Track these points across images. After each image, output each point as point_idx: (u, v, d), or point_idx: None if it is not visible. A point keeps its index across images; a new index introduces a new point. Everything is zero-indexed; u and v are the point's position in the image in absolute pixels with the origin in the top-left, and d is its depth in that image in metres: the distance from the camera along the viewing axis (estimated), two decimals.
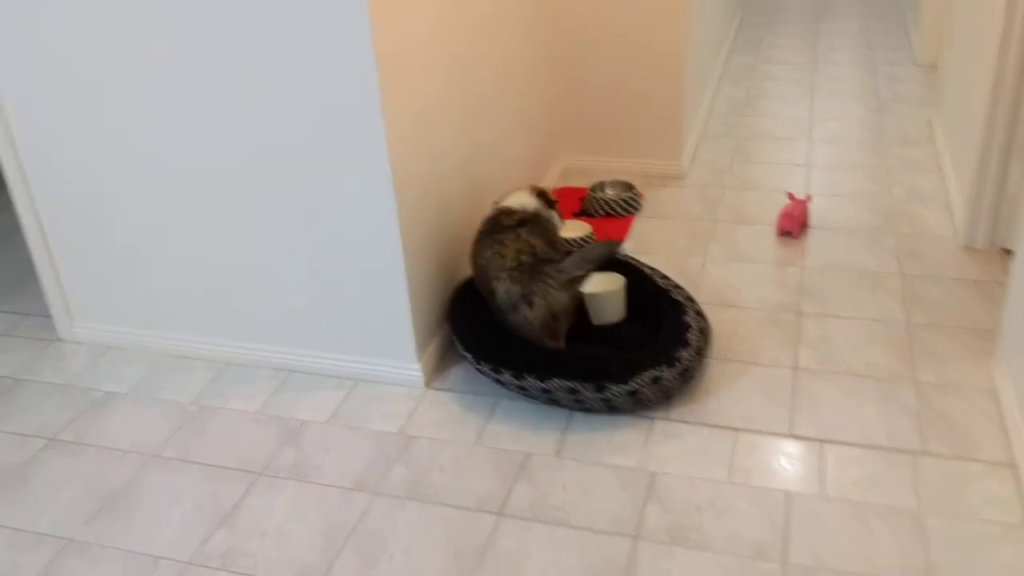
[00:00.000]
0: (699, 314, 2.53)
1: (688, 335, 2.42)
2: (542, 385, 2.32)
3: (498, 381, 2.40)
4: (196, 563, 1.99)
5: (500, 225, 2.50)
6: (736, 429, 2.31)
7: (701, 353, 2.43)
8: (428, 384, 2.54)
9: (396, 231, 2.32)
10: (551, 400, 2.37)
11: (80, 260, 2.69)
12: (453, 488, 2.16)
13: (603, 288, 2.61)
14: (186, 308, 2.66)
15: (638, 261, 2.77)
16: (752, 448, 2.24)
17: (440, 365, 2.60)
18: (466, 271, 2.73)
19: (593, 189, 3.53)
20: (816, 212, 3.39)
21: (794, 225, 3.20)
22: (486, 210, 2.63)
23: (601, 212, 3.44)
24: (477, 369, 2.45)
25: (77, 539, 2.07)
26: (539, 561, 1.95)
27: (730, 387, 2.46)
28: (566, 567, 1.93)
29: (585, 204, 3.50)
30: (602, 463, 2.22)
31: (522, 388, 2.36)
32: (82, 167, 2.52)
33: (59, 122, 2.47)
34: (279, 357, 2.62)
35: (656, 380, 2.31)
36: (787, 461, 2.19)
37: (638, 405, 2.34)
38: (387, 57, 2.15)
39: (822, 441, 2.25)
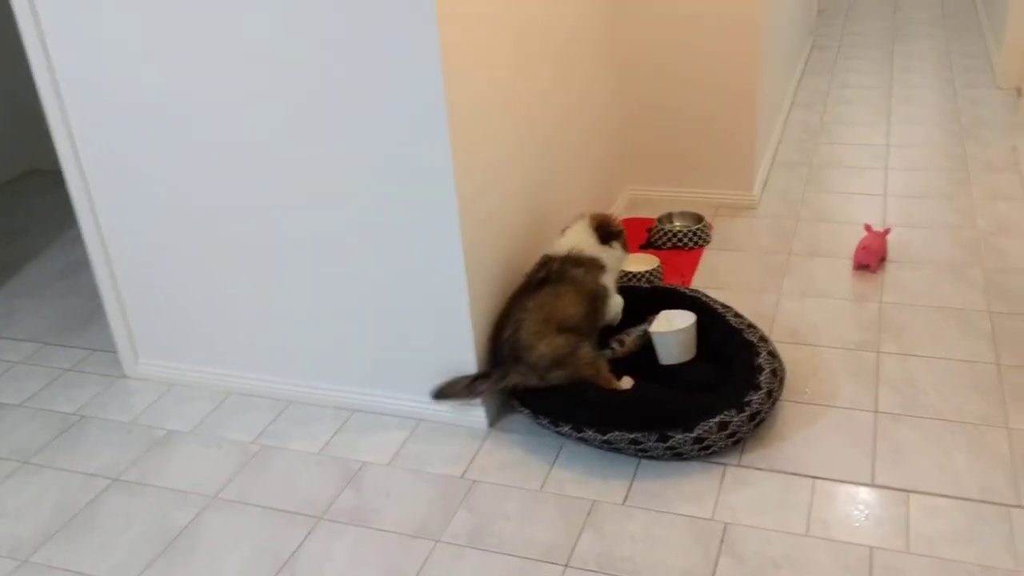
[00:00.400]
0: (772, 355, 2.41)
1: (760, 378, 2.31)
2: (603, 438, 2.24)
3: (559, 433, 2.33)
4: None
5: (530, 282, 2.47)
6: (814, 477, 2.19)
7: (772, 396, 2.31)
8: (492, 424, 2.47)
9: (461, 267, 2.28)
10: (614, 450, 2.28)
11: (146, 295, 2.70)
12: (517, 536, 2.09)
13: (671, 327, 2.52)
14: (249, 345, 2.65)
15: (710, 298, 2.67)
16: (831, 498, 2.12)
17: (504, 405, 2.54)
18: None
19: (660, 220, 3.45)
20: (895, 245, 3.25)
21: (872, 259, 3.07)
22: (549, 241, 2.57)
23: (669, 244, 3.35)
24: (536, 423, 2.38)
25: None
26: None
27: (807, 431, 2.35)
28: None
29: (652, 236, 3.41)
30: (672, 512, 2.12)
31: (583, 440, 2.29)
32: (150, 202, 2.53)
33: (129, 156, 2.49)
34: (342, 395, 2.59)
35: (724, 426, 2.21)
36: (869, 513, 2.07)
37: (705, 452, 2.24)
38: (454, 80, 2.11)
39: (907, 491, 2.12)
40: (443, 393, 2.38)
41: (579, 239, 2.53)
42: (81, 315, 3.24)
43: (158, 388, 2.78)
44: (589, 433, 2.26)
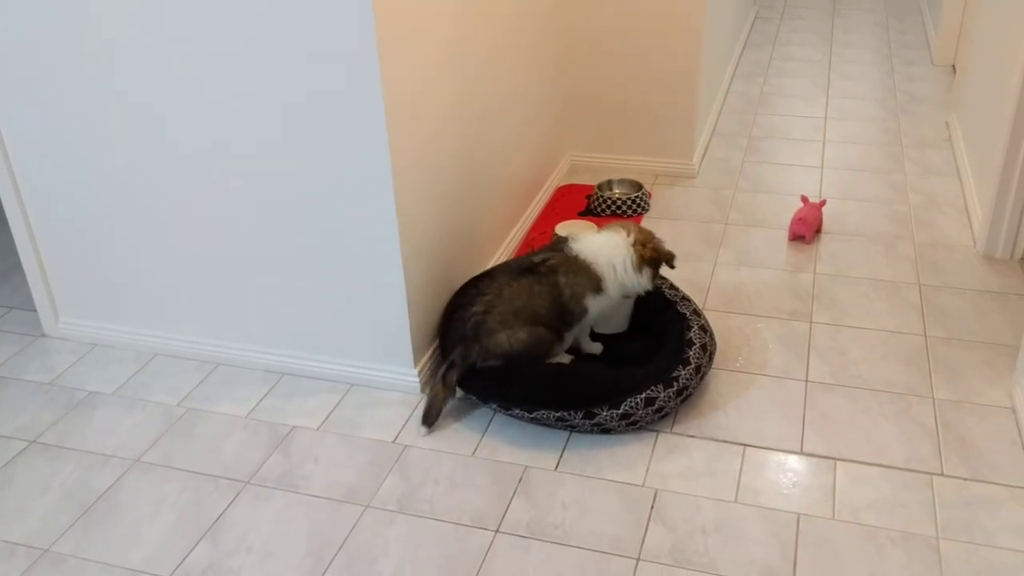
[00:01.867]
0: (703, 329, 2.41)
1: (689, 352, 2.31)
2: (530, 416, 2.23)
3: (489, 408, 2.31)
4: None
5: (520, 264, 2.37)
6: (744, 445, 2.21)
7: (701, 371, 2.31)
8: (424, 390, 2.44)
9: (395, 232, 2.22)
10: (543, 425, 2.27)
11: (67, 253, 2.59)
12: (448, 502, 2.07)
13: None
14: (177, 305, 2.56)
15: None
16: (761, 466, 2.14)
17: (438, 371, 2.50)
18: (465, 276, 2.63)
19: (600, 187, 3.43)
20: (830, 217, 3.28)
21: (807, 230, 3.09)
22: (488, 210, 2.53)
23: (608, 212, 3.34)
24: (466, 397, 2.36)
25: (53, 550, 1.98)
26: None
27: (739, 400, 2.36)
28: None
29: (591, 203, 3.39)
30: (603, 479, 2.12)
31: (511, 416, 2.27)
32: (71, 157, 2.42)
33: (48, 111, 2.37)
34: (271, 358, 2.53)
35: (651, 401, 2.20)
36: (797, 480, 2.09)
37: (632, 427, 2.24)
38: (389, 45, 2.05)
39: (835, 459, 2.15)
40: (430, 416, 2.27)
41: (610, 248, 2.34)
42: None
43: (79, 348, 2.68)
44: (516, 411, 2.25)
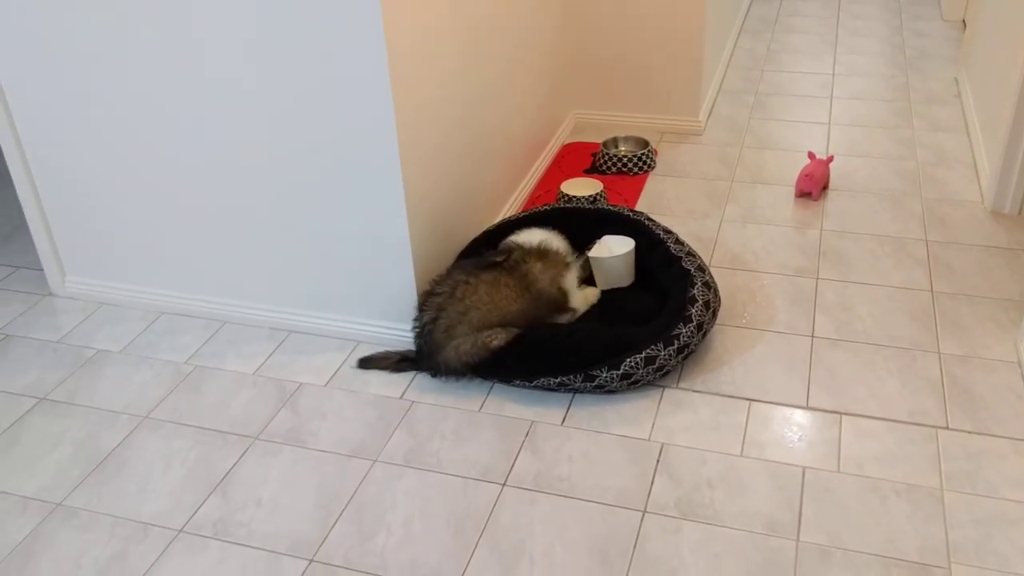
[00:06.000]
0: (707, 286, 2.40)
1: (692, 310, 2.30)
2: (531, 384, 2.23)
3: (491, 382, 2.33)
4: (188, 531, 1.92)
5: (484, 261, 2.35)
6: (750, 400, 2.22)
7: (703, 329, 2.31)
8: None
9: (400, 190, 2.22)
10: (546, 391, 2.28)
11: (72, 212, 2.59)
12: (455, 456, 2.08)
13: (610, 252, 2.50)
14: (183, 264, 2.57)
15: (653, 222, 2.65)
16: (766, 420, 2.15)
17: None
18: (470, 234, 2.63)
19: (606, 145, 3.41)
20: (837, 173, 3.26)
21: (814, 187, 3.08)
22: (492, 168, 2.51)
23: (613, 170, 3.32)
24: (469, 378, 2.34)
25: (65, 504, 2.00)
26: (543, 534, 1.87)
27: (744, 355, 2.37)
28: (570, 541, 1.85)
29: (597, 160, 3.37)
30: (609, 433, 2.13)
31: (514, 387, 2.28)
32: (75, 116, 2.41)
33: (52, 70, 2.36)
34: (278, 316, 2.54)
35: (651, 360, 2.21)
36: (802, 435, 2.10)
37: (634, 386, 2.25)
38: (393, 5, 2.03)
39: (840, 414, 2.16)
40: (369, 362, 2.36)
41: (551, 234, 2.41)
42: (2, 231, 3.11)
43: (86, 307, 2.69)
44: (518, 383, 2.25)
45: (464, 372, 2.26)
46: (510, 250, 2.36)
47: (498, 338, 2.21)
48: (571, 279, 2.42)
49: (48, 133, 2.47)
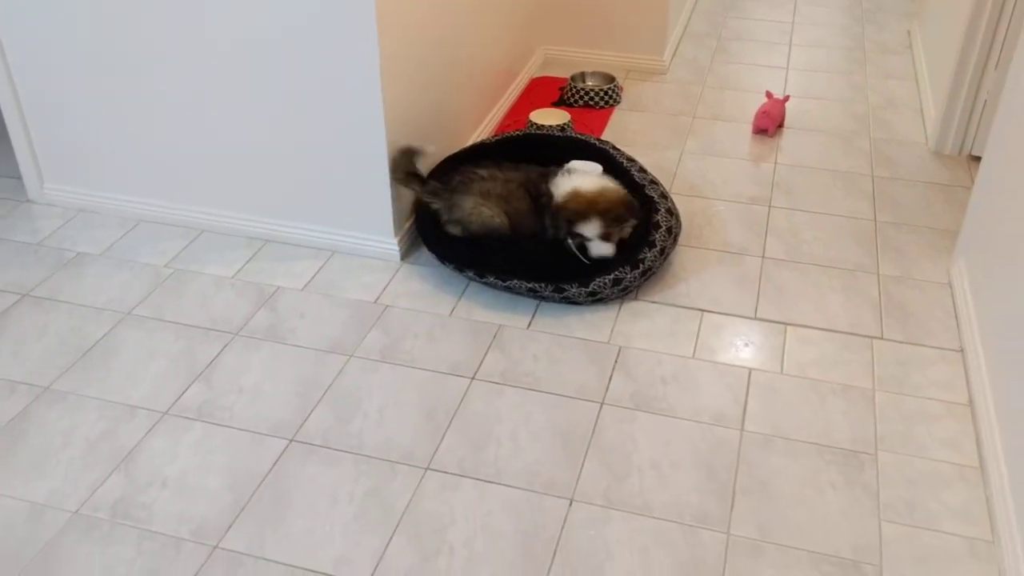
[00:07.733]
0: (670, 212, 2.53)
1: (656, 235, 2.44)
2: (504, 284, 2.36)
3: (464, 276, 2.45)
4: (173, 413, 2.03)
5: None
6: (703, 311, 2.37)
7: (665, 253, 2.45)
8: (404, 259, 2.56)
9: (379, 106, 2.31)
10: (514, 294, 2.41)
11: (51, 118, 2.65)
12: (427, 354, 2.21)
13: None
14: (160, 172, 2.64)
15: (618, 150, 2.78)
16: (717, 328, 2.31)
17: (417, 241, 2.63)
18: (443, 154, 2.73)
19: (573, 79, 3.52)
20: (793, 113, 3.42)
21: (770, 124, 3.23)
22: (465, 95, 2.61)
23: (580, 103, 3.44)
24: (443, 264, 2.48)
25: (53, 388, 2.10)
26: (509, 421, 2.01)
27: (700, 273, 2.52)
28: (534, 428, 2.00)
29: (564, 94, 3.49)
30: (572, 336, 2.27)
31: (485, 284, 2.41)
32: (57, 22, 2.46)
33: None
34: (254, 226, 2.63)
35: (618, 281, 2.35)
36: (750, 341, 2.27)
37: (597, 302, 2.39)
38: None
39: (785, 324, 2.33)
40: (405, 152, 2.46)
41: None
42: None
43: (65, 213, 2.76)
44: (491, 279, 2.38)
45: (461, 229, 2.44)
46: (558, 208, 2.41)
47: (499, 218, 2.41)
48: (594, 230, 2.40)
49: (29, 39, 2.51)
